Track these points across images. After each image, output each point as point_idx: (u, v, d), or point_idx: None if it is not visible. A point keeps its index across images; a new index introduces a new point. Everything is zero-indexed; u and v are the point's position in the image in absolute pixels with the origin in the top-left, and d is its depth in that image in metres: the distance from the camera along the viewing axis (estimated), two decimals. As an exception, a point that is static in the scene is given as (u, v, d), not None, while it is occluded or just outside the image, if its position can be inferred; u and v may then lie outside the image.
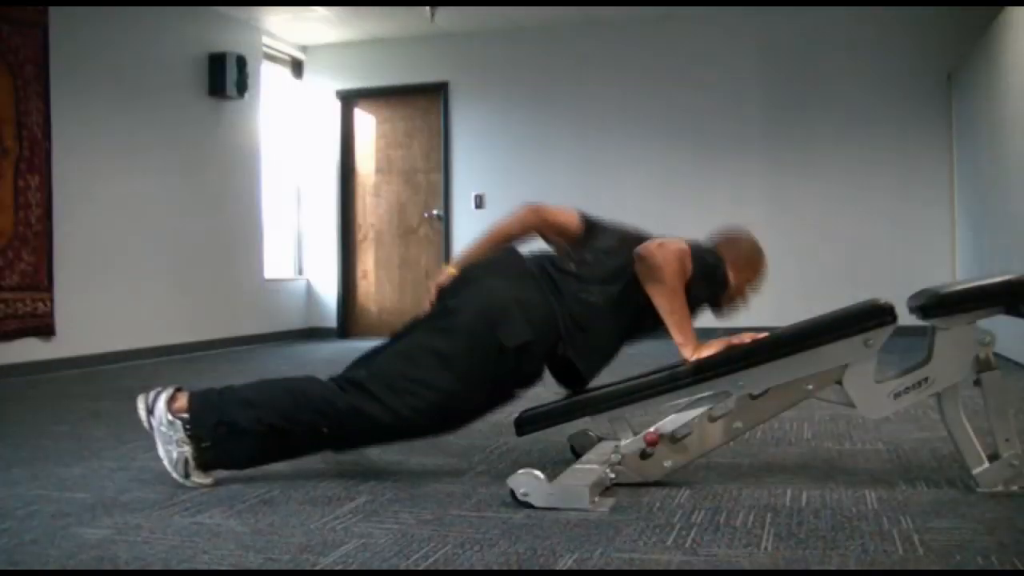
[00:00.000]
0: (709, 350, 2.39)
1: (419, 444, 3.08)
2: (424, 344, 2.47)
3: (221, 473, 2.55)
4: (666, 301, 2.43)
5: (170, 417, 2.44)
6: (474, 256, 2.70)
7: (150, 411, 2.47)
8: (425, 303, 2.62)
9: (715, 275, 2.58)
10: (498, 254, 2.66)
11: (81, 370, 5.63)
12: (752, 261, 2.72)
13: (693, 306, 2.55)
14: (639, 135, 7.55)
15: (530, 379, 2.57)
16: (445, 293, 2.57)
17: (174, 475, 2.45)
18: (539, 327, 2.46)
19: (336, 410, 2.43)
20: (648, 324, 2.55)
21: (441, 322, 2.50)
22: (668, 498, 2.26)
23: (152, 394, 2.49)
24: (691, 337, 2.42)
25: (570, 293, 2.50)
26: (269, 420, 2.43)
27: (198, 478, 2.46)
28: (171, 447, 2.45)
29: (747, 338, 2.40)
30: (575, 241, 2.70)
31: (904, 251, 7.05)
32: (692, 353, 2.40)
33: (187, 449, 2.44)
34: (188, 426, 2.43)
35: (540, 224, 2.75)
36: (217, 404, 2.47)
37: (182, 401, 2.47)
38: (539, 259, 2.60)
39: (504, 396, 2.60)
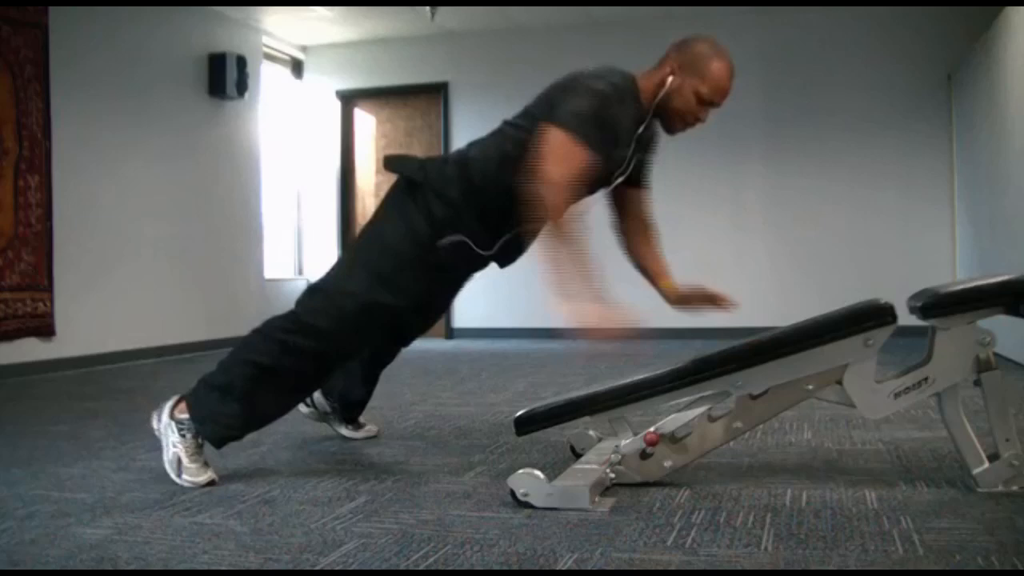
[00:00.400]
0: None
1: (419, 444, 3.08)
2: (354, 242, 2.68)
3: (221, 473, 2.56)
4: (552, 245, 2.27)
5: (167, 419, 2.54)
6: None
7: (159, 420, 2.57)
8: None
9: (615, 108, 2.38)
10: None
11: (81, 370, 5.63)
12: (700, 63, 2.44)
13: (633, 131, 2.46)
14: (639, 135, 7.55)
15: (463, 251, 2.52)
16: None
17: (171, 474, 2.51)
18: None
19: (297, 323, 2.52)
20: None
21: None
22: (668, 498, 2.26)
23: (162, 405, 2.59)
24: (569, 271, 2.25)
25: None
26: (246, 358, 2.52)
27: (190, 476, 2.48)
28: (168, 446, 2.53)
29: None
30: None
31: (904, 251, 7.05)
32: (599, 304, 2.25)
33: (180, 448, 2.50)
34: (182, 425, 2.51)
35: None
36: (205, 380, 2.57)
37: (183, 405, 2.56)
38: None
39: (450, 275, 2.66)
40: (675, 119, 2.53)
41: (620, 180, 2.57)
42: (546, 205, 2.25)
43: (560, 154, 2.28)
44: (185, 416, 2.51)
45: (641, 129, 2.53)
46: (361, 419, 3.20)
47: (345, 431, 3.16)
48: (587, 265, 2.26)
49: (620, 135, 2.46)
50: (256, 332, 2.59)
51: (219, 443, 2.57)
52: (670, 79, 2.46)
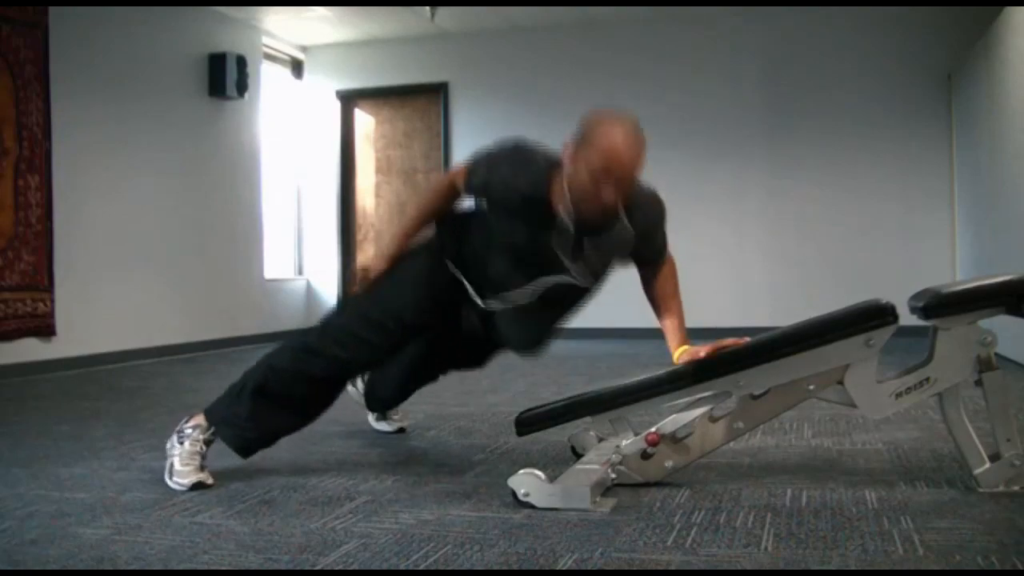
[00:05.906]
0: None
1: (419, 444, 3.09)
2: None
3: (222, 473, 2.56)
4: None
5: (176, 429, 2.61)
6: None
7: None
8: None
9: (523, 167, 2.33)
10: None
11: (81, 370, 5.63)
12: (588, 131, 2.20)
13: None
14: (639, 135, 7.54)
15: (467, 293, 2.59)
16: None
17: (165, 479, 2.53)
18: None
19: (312, 343, 2.71)
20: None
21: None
22: (668, 498, 2.26)
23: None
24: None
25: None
26: (266, 362, 2.67)
27: (179, 478, 2.49)
28: (170, 451, 2.56)
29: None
30: None
31: (905, 251, 7.05)
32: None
33: (175, 453, 2.53)
34: (181, 434, 2.57)
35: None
36: (226, 390, 2.64)
37: (198, 418, 2.61)
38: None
39: (452, 311, 2.66)
40: (580, 205, 2.22)
41: (588, 279, 2.43)
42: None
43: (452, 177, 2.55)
44: (188, 426, 2.57)
45: (571, 224, 2.28)
46: (395, 415, 3.30)
47: (371, 419, 3.28)
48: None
49: (509, 195, 2.34)
50: (274, 351, 2.74)
51: (241, 449, 2.61)
52: (568, 158, 2.23)
